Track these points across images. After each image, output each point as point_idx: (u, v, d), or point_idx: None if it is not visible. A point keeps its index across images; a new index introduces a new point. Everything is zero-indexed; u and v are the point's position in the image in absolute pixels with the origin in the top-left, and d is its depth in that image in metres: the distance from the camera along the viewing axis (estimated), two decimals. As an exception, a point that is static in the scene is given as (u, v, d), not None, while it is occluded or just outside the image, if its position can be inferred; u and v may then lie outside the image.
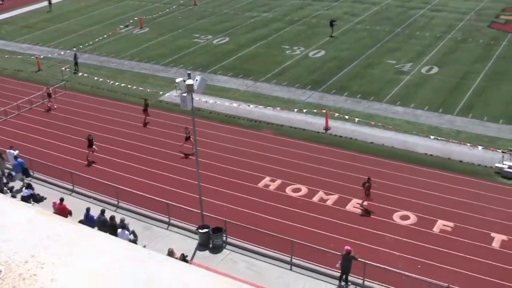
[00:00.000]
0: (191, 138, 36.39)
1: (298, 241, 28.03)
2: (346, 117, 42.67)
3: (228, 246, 29.72)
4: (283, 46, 59.94)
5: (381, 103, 45.84)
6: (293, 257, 28.04)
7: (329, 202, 33.03)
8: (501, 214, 31.66)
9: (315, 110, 43.79)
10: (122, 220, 29.48)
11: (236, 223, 29.75)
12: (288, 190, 34.41)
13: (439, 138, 39.56)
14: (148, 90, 48.99)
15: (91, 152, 38.16)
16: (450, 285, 24.79)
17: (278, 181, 35.26)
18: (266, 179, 35.52)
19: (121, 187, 33.66)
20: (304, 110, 44.19)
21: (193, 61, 56.79)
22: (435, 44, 58.92)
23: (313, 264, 27.81)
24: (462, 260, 28.08)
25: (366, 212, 31.91)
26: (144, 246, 28.22)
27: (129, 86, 50.32)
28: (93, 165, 38.08)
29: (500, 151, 37.11)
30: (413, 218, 31.43)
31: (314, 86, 49.41)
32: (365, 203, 32.29)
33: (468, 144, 38.47)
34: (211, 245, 29.63)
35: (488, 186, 34.46)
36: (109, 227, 28.92)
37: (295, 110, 44.41)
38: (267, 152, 38.06)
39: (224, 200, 33.36)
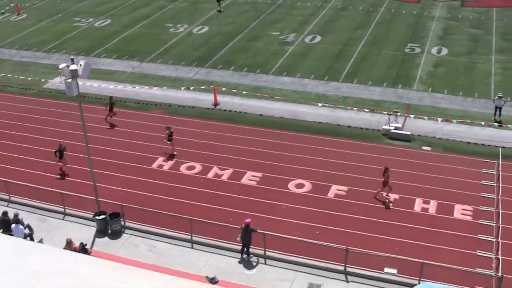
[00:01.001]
0: (172, 137, 35.15)
1: (196, 218, 27.74)
2: (234, 91, 42.61)
3: (127, 231, 28.99)
4: (167, 24, 58.95)
5: (267, 75, 46.10)
6: (193, 235, 27.75)
7: (224, 177, 32.90)
8: (391, 174, 32.64)
9: (203, 87, 43.39)
10: (15, 215, 28.02)
11: (133, 207, 29.07)
12: (183, 168, 33.99)
13: (326, 105, 40.30)
14: (30, 78, 46.83)
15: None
16: (349, 247, 25.33)
17: (172, 161, 34.77)
18: (160, 160, 34.91)
19: (11, 180, 31.98)
20: (192, 88, 43.70)
21: (75, 45, 54.73)
22: (317, 13, 59.87)
23: (214, 240, 27.67)
24: (357, 221, 28.80)
25: (385, 204, 30.75)
26: (41, 240, 27.20)
27: (10, 75, 47.85)
28: (-26, 159, 36.04)
29: (385, 113, 38.24)
30: (308, 186, 31.88)
31: (200, 63, 48.95)
32: (382, 193, 31.09)
33: (355, 108, 39.43)
34: (109, 231, 28.81)
35: (376, 148, 35.48)
36: (2, 223, 27.49)
37: (183, 88, 43.84)
38: (157, 133, 37.35)
39: (119, 185, 32.51)
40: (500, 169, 33.15)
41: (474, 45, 51.62)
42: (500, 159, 34.05)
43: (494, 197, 30.98)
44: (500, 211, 29.54)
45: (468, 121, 38.01)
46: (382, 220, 29.00)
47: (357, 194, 31.11)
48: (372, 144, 36.01)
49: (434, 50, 50.13)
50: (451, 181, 32.28)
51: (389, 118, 37.47)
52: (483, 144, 36.11)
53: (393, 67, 46.59)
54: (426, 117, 38.37)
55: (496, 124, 38.11)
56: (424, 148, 35.75)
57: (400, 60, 47.93)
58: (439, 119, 38.08)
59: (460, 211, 29.91)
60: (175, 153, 35.26)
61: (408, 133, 36.60)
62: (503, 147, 35.54)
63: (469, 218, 29.43)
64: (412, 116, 38.60)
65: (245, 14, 60.65)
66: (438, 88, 43.22)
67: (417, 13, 59.87)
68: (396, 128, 36.90)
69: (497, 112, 38.55)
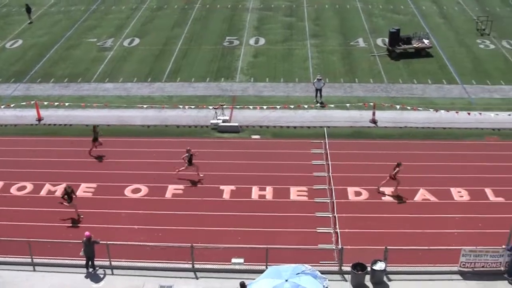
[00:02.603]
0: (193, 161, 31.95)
1: (35, 239, 26.07)
2: (57, 103, 40.79)
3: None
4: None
5: (89, 83, 44.69)
6: (33, 257, 26.09)
7: (58, 193, 31.04)
8: (224, 166, 33.00)
9: (23, 103, 41.00)
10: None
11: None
12: (13, 190, 31.88)
13: (153, 106, 39.81)
14: None
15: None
16: (194, 244, 25.14)
17: (0, 183, 32.60)
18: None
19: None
20: (12, 105, 41.24)
21: None
22: (133, 15, 59.03)
23: (56, 259, 26.24)
24: (199, 218, 28.72)
25: (399, 198, 30.67)
26: None
27: None
28: None
29: (211, 108, 38.46)
30: (144, 190, 31.28)
31: (18, 78, 46.29)
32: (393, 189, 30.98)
33: (181, 106, 39.31)
34: None
35: (208, 143, 35.62)
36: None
37: (3, 106, 41.18)
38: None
39: None
40: (327, 147, 34.56)
41: (289, 32, 53.52)
42: (326, 138, 35.49)
43: (325, 174, 32.24)
44: (333, 187, 30.81)
45: (292, 106, 39.26)
46: (223, 213, 29.14)
47: (194, 191, 31.06)
48: (203, 140, 36.11)
49: (252, 41, 51.29)
50: (284, 165, 33.16)
51: (216, 112, 37.75)
52: (308, 127, 37.48)
53: (214, 62, 47.05)
54: (251, 107, 39.10)
55: (318, 105, 39.70)
56: (254, 137, 36.44)
57: (220, 54, 48.51)
58: (264, 107, 38.97)
59: (296, 193, 30.83)
60: (201, 175, 32.51)
61: (236, 124, 37.11)
62: (328, 127, 37.12)
63: (305, 199, 30.42)
64: (238, 107, 39.17)
65: (59, 24, 58.25)
66: (260, 77, 44.29)
67: (232, 6, 60.97)
68: (224, 121, 37.29)
69: (318, 94, 40.17)
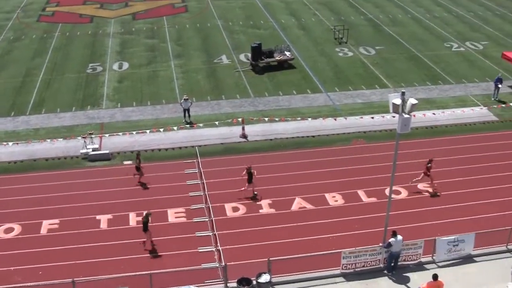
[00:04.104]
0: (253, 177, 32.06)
1: None
2: None
3: None
4: None
5: None
6: None
7: None
8: (99, 195, 32.59)
9: None
10: None
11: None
12: None
13: (19, 142, 38.49)
14: None
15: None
16: (75, 279, 24.64)
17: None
18: None
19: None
20: None
21: None
22: (-13, 48, 56.81)
23: None
24: (76, 251, 28.15)
25: (434, 194, 33.04)
26: None
27: None
28: None
29: (80, 137, 37.80)
30: (17, 228, 30.19)
31: None
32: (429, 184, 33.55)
33: (48, 140, 38.29)
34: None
35: (79, 174, 35.00)
36: None
37: None
38: None
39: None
40: (200, 166, 34.95)
41: (153, 54, 53.61)
42: (199, 157, 35.89)
43: (201, 193, 32.63)
44: (210, 205, 31.20)
45: (162, 128, 39.38)
46: (102, 243, 28.75)
47: (70, 224, 30.37)
48: (74, 171, 35.42)
49: (115, 66, 50.89)
50: (159, 188, 33.25)
51: (85, 141, 37.16)
52: (180, 148, 37.76)
53: (79, 90, 46.24)
54: (121, 133, 38.81)
55: (187, 125, 40.07)
56: (126, 162, 36.20)
57: (84, 82, 47.73)
58: (134, 132, 38.82)
59: (174, 215, 31.01)
60: (255, 192, 32.59)
61: (107, 151, 36.75)
62: (199, 146, 37.57)
63: (183, 220, 30.67)
64: (107, 134, 38.74)
65: None
66: (127, 102, 44.06)
67: (92, 32, 60.15)
68: (94, 150, 36.78)
69: (186, 114, 40.57)
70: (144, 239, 28.46)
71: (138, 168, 33.79)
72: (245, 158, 36.05)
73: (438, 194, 33.04)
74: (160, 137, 38.84)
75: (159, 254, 28.07)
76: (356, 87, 46.82)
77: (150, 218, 28.36)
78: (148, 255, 27.91)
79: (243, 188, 32.32)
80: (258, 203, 31.85)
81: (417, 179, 33.19)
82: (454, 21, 65.03)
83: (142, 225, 28.25)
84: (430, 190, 33.42)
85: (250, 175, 32.10)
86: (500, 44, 57.30)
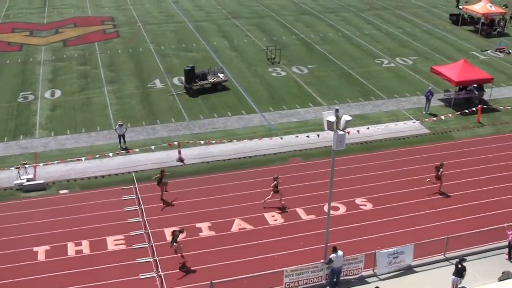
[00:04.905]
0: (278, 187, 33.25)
1: None
2: None
3: None
4: None
5: None
6: None
7: None
8: (35, 226, 31.79)
9: None
10: None
11: None
12: None
13: None
14: None
15: None
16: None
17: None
18: None
19: None
20: None
21: None
22: None
23: None
24: (13, 285, 27.37)
25: (443, 194, 35.09)
26: None
27: None
28: None
29: (13, 168, 36.89)
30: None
31: None
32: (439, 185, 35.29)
33: (-19, 171, 37.30)
34: None
35: (14, 205, 34.06)
36: None
37: None
38: None
39: None
40: (138, 192, 34.62)
41: (85, 81, 52.89)
42: (136, 183, 35.57)
43: (140, 219, 32.28)
44: (149, 231, 30.94)
45: (97, 155, 38.81)
46: (40, 276, 27.97)
47: (6, 257, 29.35)
48: (9, 203, 34.40)
49: (47, 94, 49.93)
50: (97, 216, 32.68)
51: (18, 172, 36.26)
52: (116, 174, 37.25)
53: (10, 120, 45.10)
54: (55, 162, 38.03)
55: (123, 151, 39.63)
56: (62, 192, 35.45)
57: (15, 111, 46.59)
58: (69, 160, 38.13)
59: (113, 243, 30.50)
60: (282, 202, 33.67)
61: (42, 181, 35.92)
62: (136, 171, 37.20)
63: (123, 247, 30.19)
64: (41, 164, 37.86)
65: None
66: (60, 130, 43.22)
67: (22, 60, 58.91)
68: (28, 180, 35.91)
69: (122, 140, 40.13)
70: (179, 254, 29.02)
71: (159, 183, 34.20)
72: (182, 182, 35.97)
73: (448, 194, 35.15)
74: (96, 164, 38.25)
75: (100, 283, 27.53)
76: (291, 106, 47.34)
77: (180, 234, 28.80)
78: (88, 284, 27.35)
79: (268, 199, 33.49)
80: (197, 225, 31.70)
81: (429, 180, 35.35)
82: (384, 38, 66.76)
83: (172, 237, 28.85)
84: (440, 190, 35.39)
85: (275, 185, 33.14)
86: (429, 59, 59.10)
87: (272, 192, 33.08)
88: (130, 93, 49.94)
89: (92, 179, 36.85)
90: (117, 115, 45.10)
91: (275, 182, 33.03)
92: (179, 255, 28.96)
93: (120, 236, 31.01)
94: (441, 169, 34.53)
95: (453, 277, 26.73)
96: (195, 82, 49.60)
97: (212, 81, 50.42)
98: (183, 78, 50.99)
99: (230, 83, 51.70)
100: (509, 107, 47.63)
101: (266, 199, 33.35)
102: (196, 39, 65.21)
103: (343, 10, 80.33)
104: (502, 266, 28.63)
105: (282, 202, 33.64)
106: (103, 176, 37.08)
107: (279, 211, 33.15)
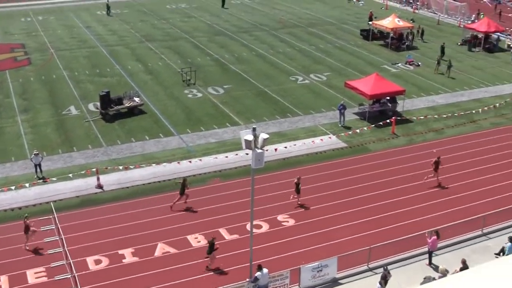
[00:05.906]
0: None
1: None
2: None
3: None
4: None
5: None
6: None
7: None
8: None
9: None
10: None
11: None
12: None
13: None
14: None
15: None
16: None
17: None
18: None
19: None
20: None
21: None
22: None
23: None
24: None
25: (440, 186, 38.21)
26: None
27: None
28: None
29: None
30: None
31: None
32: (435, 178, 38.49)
33: None
34: None
35: None
36: None
37: None
38: None
39: None
40: (57, 222, 33.91)
41: (-5, 110, 51.50)
42: (55, 213, 34.83)
43: (61, 250, 31.61)
44: (71, 261, 30.33)
45: (13, 186, 37.74)
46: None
47: None
48: None
49: (-44, 126, 48.28)
50: (15, 249, 31.74)
51: None
52: (34, 205, 36.31)
53: None
54: (-33, 196, 36.85)
55: (40, 181, 38.73)
56: (-22, 226, 34.34)
57: None
58: (-16, 193, 37.01)
59: (34, 276, 29.75)
60: (299, 202, 36.30)
61: (-44, 217, 34.71)
62: (54, 201, 36.41)
63: (44, 279, 29.50)
64: (-46, 199, 36.57)
65: None
66: (-27, 162, 41.90)
67: None
68: None
69: (38, 169, 39.22)
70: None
71: (182, 193, 35.58)
72: (102, 209, 35.52)
73: (446, 186, 38.42)
74: (12, 196, 37.15)
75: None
76: (208, 127, 47.52)
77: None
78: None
79: (293, 198, 36.10)
80: (120, 252, 31.31)
81: (430, 176, 38.22)
82: (298, 55, 68.05)
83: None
84: (437, 183, 38.55)
85: (297, 185, 35.49)
86: (342, 74, 60.69)
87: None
88: (45, 121, 48.86)
89: (9, 211, 35.77)
90: (32, 144, 44.00)
91: (298, 182, 35.70)
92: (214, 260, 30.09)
93: (41, 268, 30.25)
94: (438, 160, 38.14)
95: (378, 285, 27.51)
96: (111, 107, 49.09)
97: (128, 105, 50.03)
98: (98, 103, 50.33)
99: (147, 107, 51.45)
100: (421, 117, 49.48)
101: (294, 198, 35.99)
102: (110, 64, 64.59)
103: (256, 29, 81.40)
104: (424, 272, 29.65)
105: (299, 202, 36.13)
106: (20, 208, 36.04)
107: (201, 232, 33.16)
